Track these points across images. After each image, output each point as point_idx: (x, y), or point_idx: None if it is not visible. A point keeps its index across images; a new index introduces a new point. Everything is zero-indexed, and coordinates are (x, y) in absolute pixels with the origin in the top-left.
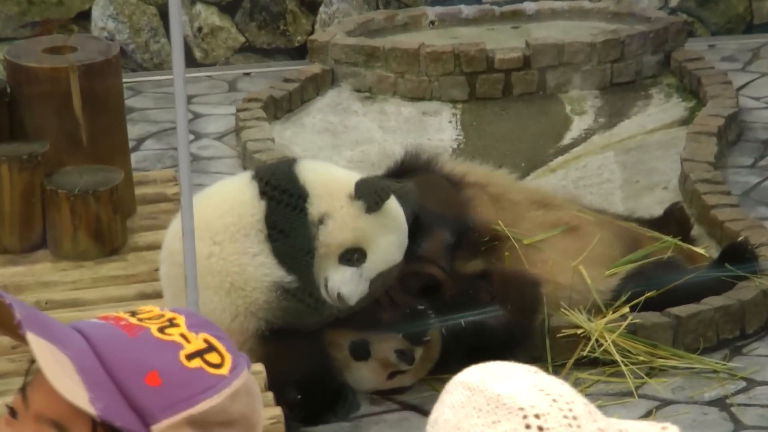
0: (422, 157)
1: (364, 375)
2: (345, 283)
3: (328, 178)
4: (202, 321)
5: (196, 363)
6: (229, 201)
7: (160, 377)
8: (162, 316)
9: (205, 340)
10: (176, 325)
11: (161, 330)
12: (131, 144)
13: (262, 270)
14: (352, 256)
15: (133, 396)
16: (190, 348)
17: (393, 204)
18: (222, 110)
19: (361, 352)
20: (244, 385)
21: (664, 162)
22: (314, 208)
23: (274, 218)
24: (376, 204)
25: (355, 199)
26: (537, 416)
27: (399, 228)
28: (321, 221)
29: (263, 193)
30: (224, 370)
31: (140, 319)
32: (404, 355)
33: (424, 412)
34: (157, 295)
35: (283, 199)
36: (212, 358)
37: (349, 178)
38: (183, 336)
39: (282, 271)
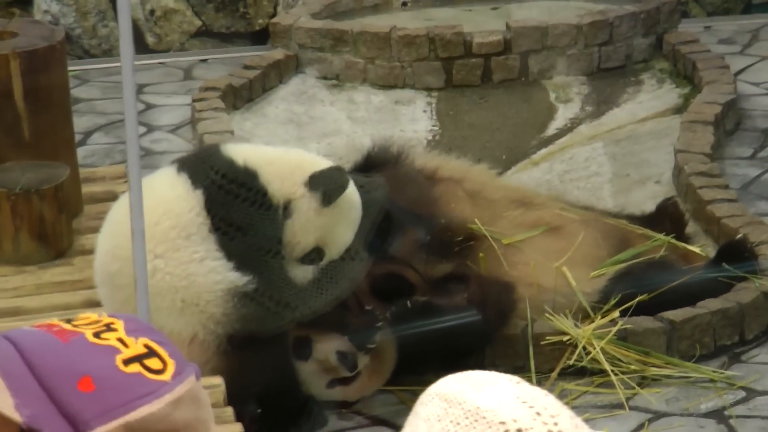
0: (391, 150)
1: (303, 378)
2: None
3: (271, 159)
4: (144, 326)
5: (134, 368)
6: (161, 202)
7: (93, 382)
8: (98, 321)
9: (146, 345)
10: (113, 330)
11: (97, 335)
12: (78, 138)
13: (213, 277)
14: (312, 255)
15: (64, 402)
16: (128, 353)
17: (352, 193)
18: (176, 100)
19: (302, 351)
20: (190, 393)
21: (656, 153)
22: (274, 194)
23: (216, 207)
24: (332, 195)
25: (311, 190)
26: (520, 431)
27: (354, 220)
28: (286, 212)
29: (197, 183)
30: (166, 376)
31: (75, 325)
32: (345, 358)
33: (396, 427)
34: None
35: (224, 185)
36: (153, 363)
37: (299, 160)
38: (120, 341)
39: (235, 272)
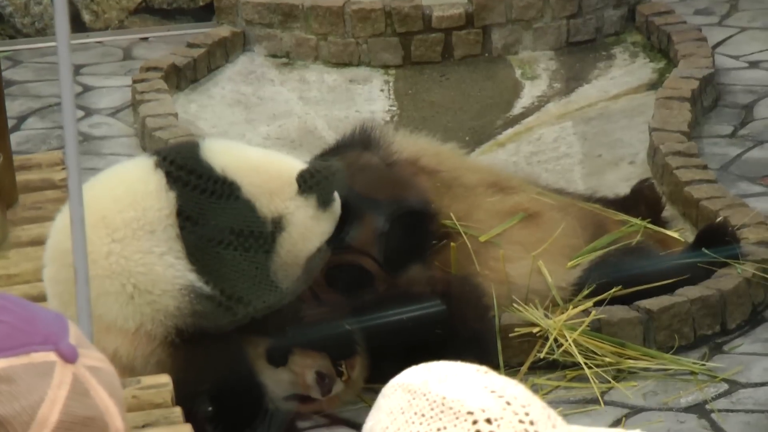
0: (371, 135)
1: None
2: None
3: (253, 167)
4: None
5: None
6: (130, 193)
7: None
8: None
9: None
10: None
11: None
12: (10, 123)
13: (171, 272)
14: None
15: None
16: None
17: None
18: (116, 81)
19: (278, 356)
20: None
21: (630, 132)
22: (261, 209)
23: (188, 212)
24: (329, 196)
25: (302, 194)
26: (488, 421)
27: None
28: (278, 226)
29: (172, 184)
30: None
31: None
32: (323, 381)
33: (357, 427)
34: (43, 298)
35: (207, 185)
36: None
37: (281, 164)
38: None
39: (194, 274)
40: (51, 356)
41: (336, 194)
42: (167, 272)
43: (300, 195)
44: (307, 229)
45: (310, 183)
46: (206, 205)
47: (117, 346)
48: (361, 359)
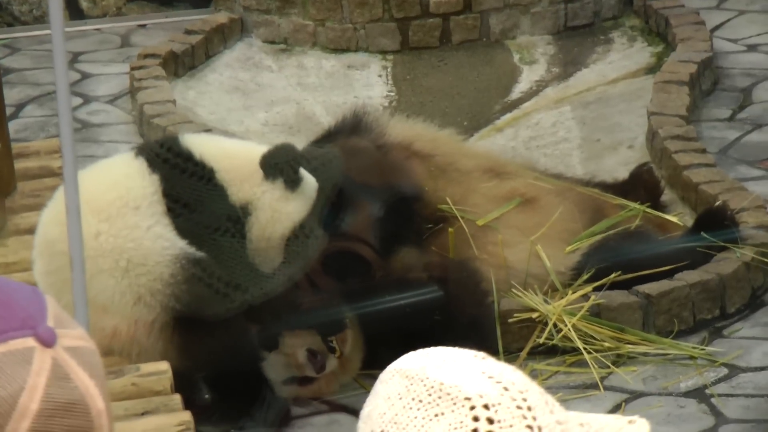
0: (364, 120)
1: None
2: None
3: (227, 154)
4: None
5: None
6: (112, 176)
7: None
8: None
9: None
10: None
11: None
12: (9, 111)
13: (161, 243)
14: (298, 235)
15: None
16: None
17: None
18: (114, 69)
19: (269, 340)
20: None
21: (628, 117)
22: (230, 190)
23: (171, 190)
24: (296, 176)
25: (269, 178)
26: (486, 407)
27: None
28: (245, 212)
29: (154, 165)
30: None
31: None
32: (314, 358)
33: (356, 413)
34: None
35: (187, 168)
36: None
37: (252, 152)
38: None
39: (183, 242)
40: (29, 342)
41: (304, 173)
42: (156, 243)
43: (266, 180)
44: (275, 211)
45: (273, 166)
46: (188, 186)
47: (116, 324)
48: (353, 333)
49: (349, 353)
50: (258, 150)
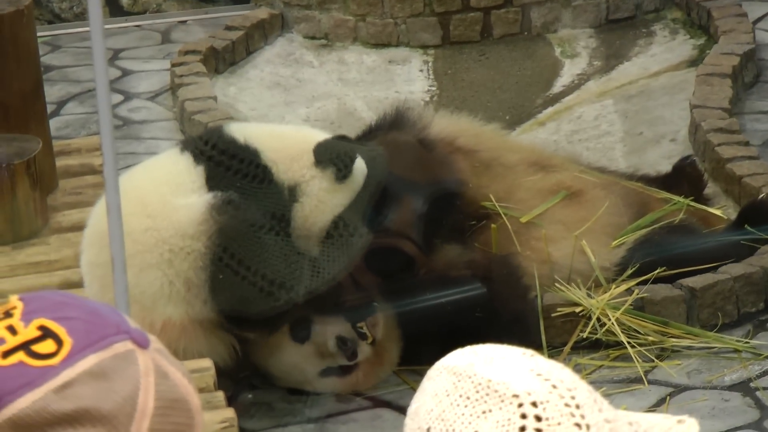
0: (409, 115)
1: (296, 362)
2: None
3: (274, 135)
4: (49, 304)
5: (16, 358)
6: (162, 172)
7: None
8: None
9: (41, 327)
10: (9, 316)
11: None
12: (50, 108)
13: (190, 213)
14: (337, 229)
15: None
16: (12, 342)
17: (360, 165)
18: (155, 65)
19: (300, 332)
20: (88, 373)
21: (670, 110)
22: (278, 175)
23: (217, 183)
24: (346, 169)
25: (319, 165)
26: (534, 404)
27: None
28: (293, 195)
29: (198, 160)
30: (55, 360)
31: None
32: (345, 345)
33: (400, 409)
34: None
35: (232, 154)
36: (43, 347)
37: (302, 134)
38: (10, 328)
39: (227, 237)
40: (129, 345)
41: (357, 169)
42: (189, 215)
43: (316, 165)
44: (320, 201)
45: (326, 155)
46: (233, 176)
47: (170, 314)
48: (385, 320)
49: (383, 341)
50: (311, 134)
